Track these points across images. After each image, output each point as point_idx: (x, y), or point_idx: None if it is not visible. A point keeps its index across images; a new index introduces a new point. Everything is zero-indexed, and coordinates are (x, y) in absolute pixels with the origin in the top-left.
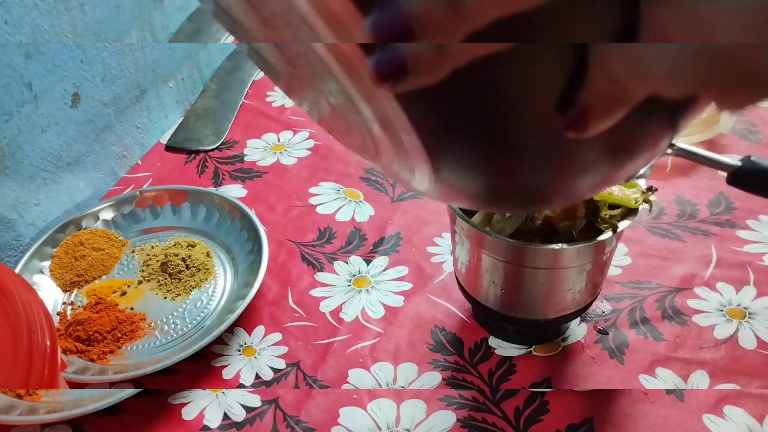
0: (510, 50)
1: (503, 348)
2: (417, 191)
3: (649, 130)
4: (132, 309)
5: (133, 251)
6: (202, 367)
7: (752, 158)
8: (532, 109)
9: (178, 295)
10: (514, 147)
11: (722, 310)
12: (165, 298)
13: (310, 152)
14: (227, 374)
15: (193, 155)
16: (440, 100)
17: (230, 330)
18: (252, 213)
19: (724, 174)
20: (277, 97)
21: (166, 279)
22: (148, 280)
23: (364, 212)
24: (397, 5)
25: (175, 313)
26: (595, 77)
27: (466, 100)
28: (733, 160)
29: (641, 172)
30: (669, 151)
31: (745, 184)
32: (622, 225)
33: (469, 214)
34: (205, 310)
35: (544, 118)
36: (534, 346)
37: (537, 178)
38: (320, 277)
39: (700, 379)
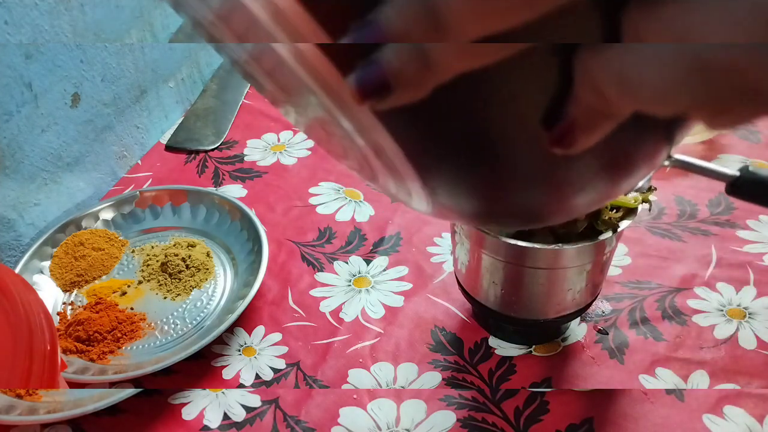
0: (493, 67)
1: (503, 348)
2: (420, 211)
3: (644, 146)
4: (132, 309)
5: (133, 251)
6: (202, 367)
7: (750, 168)
8: (520, 127)
9: (178, 295)
10: (506, 168)
11: (722, 310)
12: (165, 298)
13: (310, 152)
14: (227, 374)
15: (193, 155)
16: (426, 122)
17: (230, 330)
18: (252, 213)
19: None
20: None
21: (166, 279)
22: (148, 280)
23: (364, 212)
24: (376, 64)
25: (175, 313)
26: (581, 92)
27: (452, 119)
28: (731, 170)
29: (639, 184)
30: (666, 162)
31: (744, 194)
32: (622, 225)
33: None
34: (205, 310)
35: (533, 136)
36: (534, 346)
37: (532, 199)
38: (320, 277)
39: (700, 379)
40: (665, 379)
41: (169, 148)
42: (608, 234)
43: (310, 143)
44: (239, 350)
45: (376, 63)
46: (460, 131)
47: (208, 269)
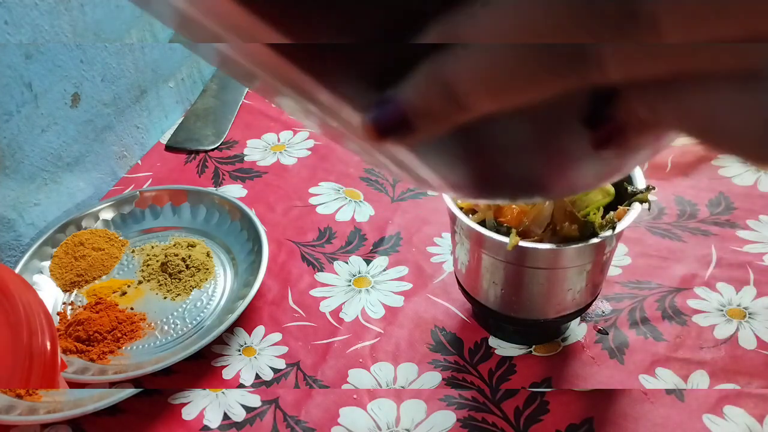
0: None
1: (503, 348)
2: (432, 189)
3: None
4: (132, 309)
5: (133, 251)
6: (202, 367)
7: None
8: (552, 120)
9: (178, 295)
10: (512, 149)
11: (722, 310)
12: (165, 298)
13: (310, 152)
14: (227, 374)
15: (193, 155)
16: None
17: (230, 330)
18: (252, 213)
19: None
20: None
21: (166, 279)
22: (148, 280)
23: (364, 212)
24: (395, 102)
25: (175, 313)
26: (634, 110)
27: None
28: None
29: None
30: None
31: None
32: (622, 225)
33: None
34: (205, 310)
35: (567, 129)
36: (534, 346)
37: (537, 175)
38: (320, 277)
39: (700, 379)
40: (665, 379)
41: (169, 148)
42: (608, 234)
43: (310, 143)
44: (239, 350)
45: (393, 101)
46: (467, 134)
47: (208, 269)
